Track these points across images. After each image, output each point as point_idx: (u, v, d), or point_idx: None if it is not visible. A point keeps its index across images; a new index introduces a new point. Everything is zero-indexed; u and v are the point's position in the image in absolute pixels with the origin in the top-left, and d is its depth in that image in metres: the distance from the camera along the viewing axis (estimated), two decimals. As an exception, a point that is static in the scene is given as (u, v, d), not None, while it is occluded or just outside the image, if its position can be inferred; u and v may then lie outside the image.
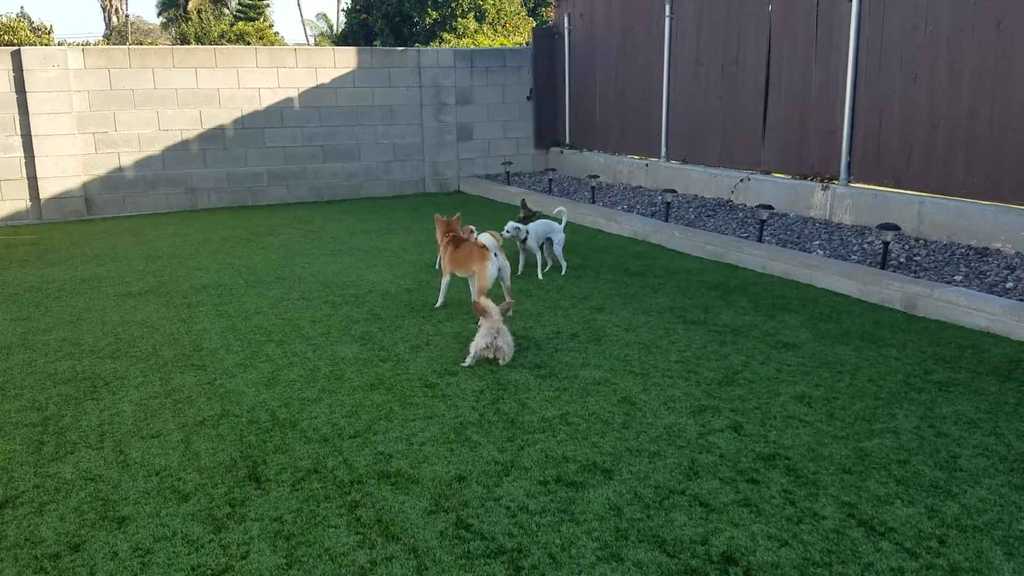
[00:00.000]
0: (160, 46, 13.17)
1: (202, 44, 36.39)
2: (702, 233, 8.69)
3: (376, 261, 8.44)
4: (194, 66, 12.08)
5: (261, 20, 45.29)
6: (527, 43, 17.19)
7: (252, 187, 12.82)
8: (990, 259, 6.97)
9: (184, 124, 12.16)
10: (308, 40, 50.38)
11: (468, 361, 5.20)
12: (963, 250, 7.31)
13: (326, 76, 12.89)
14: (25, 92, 11.15)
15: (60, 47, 12.09)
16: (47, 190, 11.52)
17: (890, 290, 6.46)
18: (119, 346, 5.83)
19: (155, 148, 12.07)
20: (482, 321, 5.32)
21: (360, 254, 8.83)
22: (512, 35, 22.76)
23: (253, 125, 12.58)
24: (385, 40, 23.32)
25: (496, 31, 22.73)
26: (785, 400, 4.59)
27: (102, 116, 11.67)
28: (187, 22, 42.96)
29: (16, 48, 11.17)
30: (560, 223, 7.80)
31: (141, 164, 12.04)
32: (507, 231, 7.38)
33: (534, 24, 23.53)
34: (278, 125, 12.74)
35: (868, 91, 8.56)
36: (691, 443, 4.06)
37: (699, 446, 4.03)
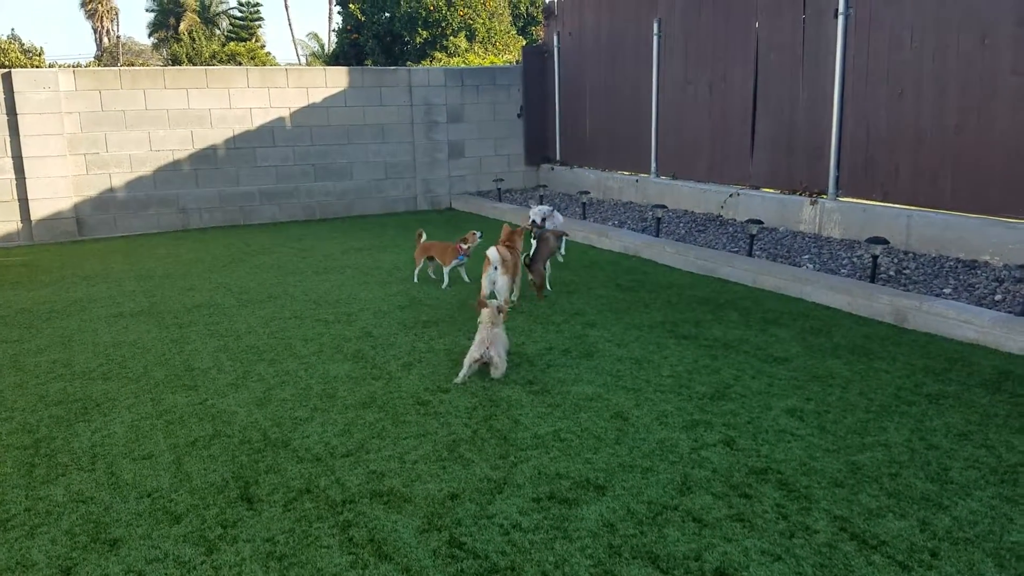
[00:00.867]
0: (151, 67, 13.20)
1: (194, 64, 36.52)
2: (693, 248, 8.73)
3: (368, 279, 8.45)
4: (185, 87, 12.11)
5: (253, 40, 45.47)
6: (517, 61, 17.29)
7: (244, 206, 12.82)
8: (978, 271, 7.02)
9: (175, 144, 12.18)
10: (299, 60, 50.57)
11: (460, 378, 5.21)
12: (951, 263, 7.36)
13: (317, 95, 12.95)
14: (16, 114, 11.15)
15: (51, 69, 12.10)
16: (38, 211, 11.51)
17: (880, 303, 6.49)
18: (110, 367, 5.81)
19: (146, 169, 12.08)
20: (482, 319, 5.39)
21: (352, 272, 8.84)
22: (502, 53, 22.89)
23: (245, 145, 12.61)
24: (376, 60, 23.43)
25: (487, 50, 22.87)
26: (777, 414, 4.60)
27: (93, 137, 11.68)
28: (178, 43, 43.09)
29: (7, 70, 11.19)
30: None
31: (132, 185, 12.04)
32: (535, 215, 8.04)
33: (524, 43, 23.68)
34: (270, 144, 12.77)
35: (855, 106, 8.64)
36: (684, 458, 4.07)
37: (692, 461, 4.04)
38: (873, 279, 7.00)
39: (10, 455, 4.37)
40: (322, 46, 45.22)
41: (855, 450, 4.12)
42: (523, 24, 27.32)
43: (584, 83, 13.50)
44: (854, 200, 8.77)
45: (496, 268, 6.39)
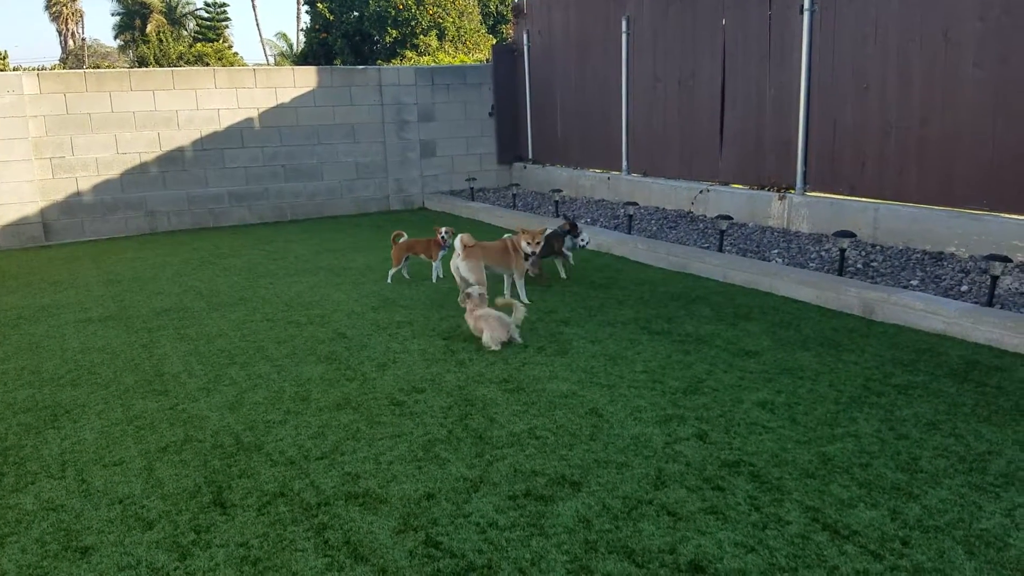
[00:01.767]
0: (117, 69, 13.01)
1: (161, 66, 36.07)
2: (664, 244, 8.78)
3: (341, 280, 8.41)
4: (152, 88, 11.97)
5: (220, 41, 45.03)
6: (487, 60, 17.27)
7: (213, 209, 12.70)
8: (945, 263, 7.13)
9: (142, 147, 12.03)
10: (268, 60, 50.17)
11: (496, 345, 5.84)
12: (918, 255, 7.47)
13: (286, 96, 12.85)
14: (-22, 118, 10.97)
15: (15, 72, 11.91)
16: (3, 217, 11.32)
17: (848, 296, 6.57)
18: (79, 373, 5.74)
19: (113, 172, 11.93)
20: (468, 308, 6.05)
21: (324, 273, 8.79)
22: (473, 52, 22.86)
23: (213, 146, 12.49)
24: (345, 59, 23.29)
25: (457, 48, 22.83)
26: (748, 407, 4.64)
27: (59, 141, 11.51)
28: (145, 44, 42.57)
29: (-32, 73, 11.00)
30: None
31: (99, 188, 11.88)
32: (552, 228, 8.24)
33: (494, 41, 23.66)
34: (238, 146, 12.66)
35: (821, 102, 8.74)
36: (658, 452, 4.10)
37: (666, 455, 4.07)
38: (841, 272, 7.08)
39: (-23, 465, 4.30)
40: (290, 46, 44.91)
41: (826, 441, 4.17)
42: (493, 23, 27.30)
43: (555, 81, 13.53)
44: (822, 195, 8.87)
45: (459, 255, 6.77)
